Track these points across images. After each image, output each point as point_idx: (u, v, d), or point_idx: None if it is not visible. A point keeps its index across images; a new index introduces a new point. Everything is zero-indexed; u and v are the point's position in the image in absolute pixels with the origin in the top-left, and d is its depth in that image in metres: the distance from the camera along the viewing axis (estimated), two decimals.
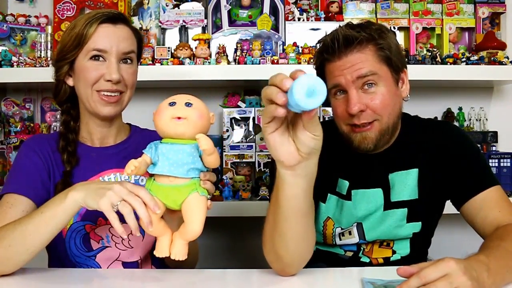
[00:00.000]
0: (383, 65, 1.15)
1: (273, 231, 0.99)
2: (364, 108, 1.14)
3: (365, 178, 1.23)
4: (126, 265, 1.22)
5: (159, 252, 0.96)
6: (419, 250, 1.27)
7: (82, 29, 1.15)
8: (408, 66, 1.25)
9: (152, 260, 1.27)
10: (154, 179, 0.94)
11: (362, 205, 1.22)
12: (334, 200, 1.24)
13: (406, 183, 1.22)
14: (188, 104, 0.91)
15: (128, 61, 1.20)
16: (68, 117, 1.24)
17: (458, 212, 1.24)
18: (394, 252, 1.25)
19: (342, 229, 1.23)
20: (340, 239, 1.24)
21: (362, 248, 1.25)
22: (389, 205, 1.22)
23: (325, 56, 1.17)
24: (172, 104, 0.91)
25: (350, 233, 1.23)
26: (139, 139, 1.31)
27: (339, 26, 1.19)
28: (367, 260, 1.25)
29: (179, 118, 0.89)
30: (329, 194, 1.25)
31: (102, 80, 1.16)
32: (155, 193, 0.93)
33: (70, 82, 1.22)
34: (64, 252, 1.19)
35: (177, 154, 0.90)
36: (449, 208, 1.27)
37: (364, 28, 1.16)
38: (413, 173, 1.23)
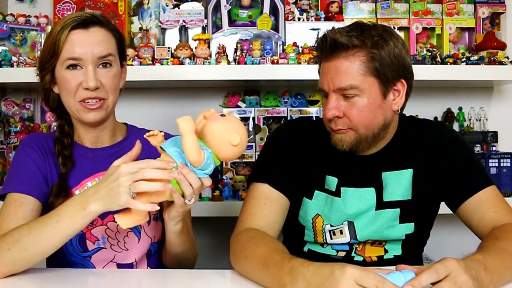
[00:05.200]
0: (369, 77, 1.11)
1: None
2: (340, 115, 1.14)
3: (356, 177, 1.23)
4: (121, 267, 1.22)
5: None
6: (412, 251, 1.27)
7: (54, 38, 1.13)
8: None
9: (148, 263, 1.26)
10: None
11: (352, 203, 1.22)
12: (323, 197, 1.24)
13: (399, 183, 1.22)
14: (222, 115, 1.00)
15: (107, 65, 1.17)
16: (63, 122, 1.24)
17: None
18: (386, 251, 1.25)
19: (332, 226, 1.23)
20: (331, 238, 1.24)
21: (354, 248, 1.25)
22: (381, 204, 1.22)
23: (317, 54, 1.19)
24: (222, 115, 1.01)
25: (341, 232, 1.23)
26: (136, 139, 1.30)
27: (332, 28, 1.15)
28: (361, 259, 1.25)
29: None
30: (316, 191, 1.24)
31: (81, 88, 1.14)
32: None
33: (56, 89, 1.20)
34: (61, 251, 1.19)
35: (180, 139, 0.96)
36: (445, 207, 1.27)
37: (362, 32, 1.12)
38: (407, 173, 1.22)
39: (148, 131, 1.35)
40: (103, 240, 1.20)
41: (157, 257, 1.29)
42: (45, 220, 1.02)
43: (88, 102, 1.16)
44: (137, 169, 0.94)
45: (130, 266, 1.23)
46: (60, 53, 1.13)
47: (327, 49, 1.13)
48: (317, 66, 1.22)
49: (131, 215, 1.00)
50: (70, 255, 1.19)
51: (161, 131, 1.03)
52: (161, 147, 1.00)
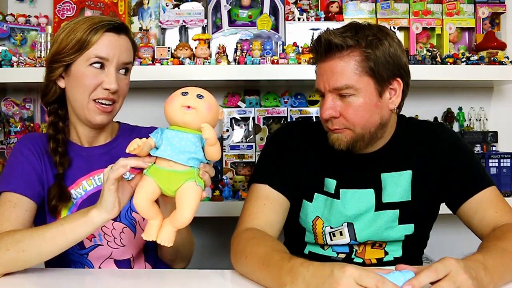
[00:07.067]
0: (365, 76, 1.11)
1: None
2: (336, 115, 1.14)
3: (355, 178, 1.23)
4: (118, 263, 1.23)
5: (147, 235, 0.96)
6: (412, 253, 1.26)
7: (85, 35, 1.14)
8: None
9: (146, 258, 1.27)
10: (154, 163, 0.95)
11: (352, 205, 1.22)
12: (323, 199, 1.24)
13: (398, 184, 1.22)
14: (199, 96, 0.94)
15: (125, 71, 1.21)
16: (56, 118, 1.23)
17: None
18: (386, 253, 1.25)
19: (331, 228, 1.23)
20: (331, 239, 1.24)
21: (354, 250, 1.25)
22: (380, 206, 1.22)
23: (313, 55, 1.19)
24: (184, 93, 0.94)
25: (341, 233, 1.23)
26: (129, 138, 1.30)
27: (327, 29, 1.15)
28: (360, 261, 1.25)
29: (188, 107, 0.92)
30: (316, 193, 1.24)
31: (100, 88, 1.16)
32: (153, 175, 0.94)
33: (61, 84, 1.21)
34: None
35: (180, 141, 0.92)
36: (445, 208, 1.27)
37: (356, 33, 1.12)
38: (407, 174, 1.22)
39: (141, 128, 1.35)
40: (99, 237, 1.21)
41: (155, 252, 1.29)
42: (50, 224, 1.05)
43: (102, 103, 1.17)
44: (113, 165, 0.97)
45: (127, 262, 1.23)
46: (87, 50, 1.15)
47: (321, 50, 1.14)
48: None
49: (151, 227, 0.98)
50: (68, 253, 1.19)
51: (138, 137, 0.96)
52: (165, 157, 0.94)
